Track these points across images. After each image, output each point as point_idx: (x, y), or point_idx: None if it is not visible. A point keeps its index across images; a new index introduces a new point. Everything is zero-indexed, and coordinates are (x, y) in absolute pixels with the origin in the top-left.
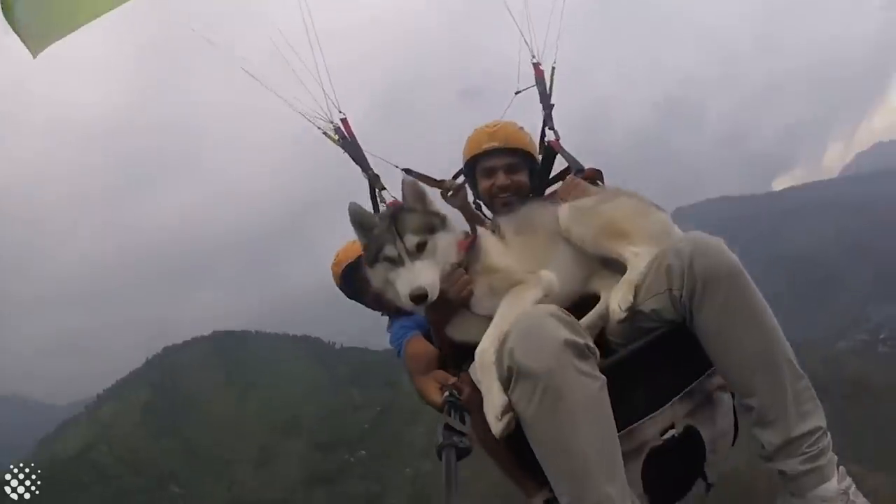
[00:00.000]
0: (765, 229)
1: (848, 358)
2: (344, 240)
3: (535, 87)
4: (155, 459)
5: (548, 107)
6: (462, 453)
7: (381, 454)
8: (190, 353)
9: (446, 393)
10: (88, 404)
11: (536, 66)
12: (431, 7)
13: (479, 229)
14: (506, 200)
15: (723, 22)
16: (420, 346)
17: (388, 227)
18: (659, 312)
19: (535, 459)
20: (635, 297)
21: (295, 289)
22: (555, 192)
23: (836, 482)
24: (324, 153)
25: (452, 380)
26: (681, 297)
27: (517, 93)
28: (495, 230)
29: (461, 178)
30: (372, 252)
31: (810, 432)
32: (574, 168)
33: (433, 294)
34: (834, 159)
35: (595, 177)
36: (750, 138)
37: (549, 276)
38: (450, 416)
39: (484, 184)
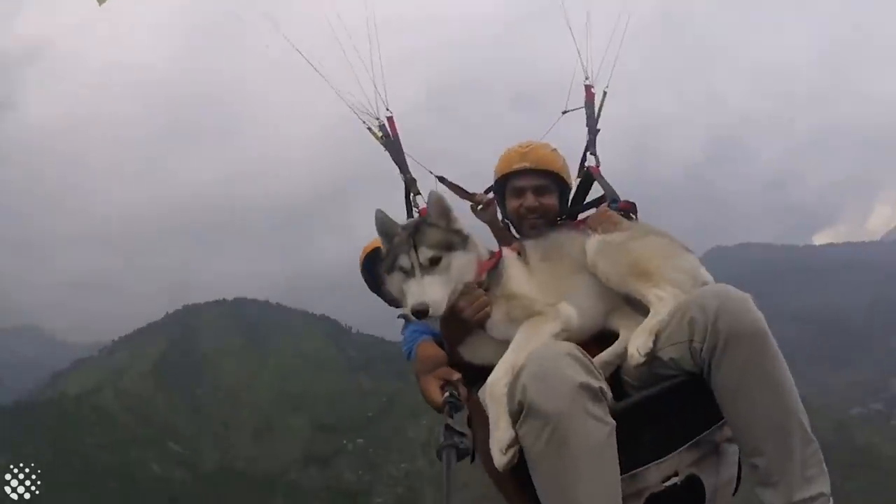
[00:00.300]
0: (799, 282)
1: (859, 426)
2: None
3: (584, 109)
4: (159, 412)
5: (593, 131)
6: (462, 454)
7: (380, 445)
8: (210, 314)
9: (446, 393)
10: (102, 347)
11: (588, 88)
12: (493, 12)
13: (505, 251)
14: (533, 223)
15: (782, 62)
16: (430, 350)
17: (406, 239)
18: (677, 362)
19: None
20: (655, 342)
21: (319, 268)
22: (585, 220)
23: None
24: (364, 142)
25: (456, 376)
26: (701, 350)
27: (564, 112)
28: (520, 253)
29: (492, 194)
30: (389, 260)
31: (812, 498)
32: (609, 198)
33: (436, 310)
34: (879, 222)
35: (629, 210)
36: (796, 187)
37: (568, 310)
38: (450, 416)
39: (512, 203)
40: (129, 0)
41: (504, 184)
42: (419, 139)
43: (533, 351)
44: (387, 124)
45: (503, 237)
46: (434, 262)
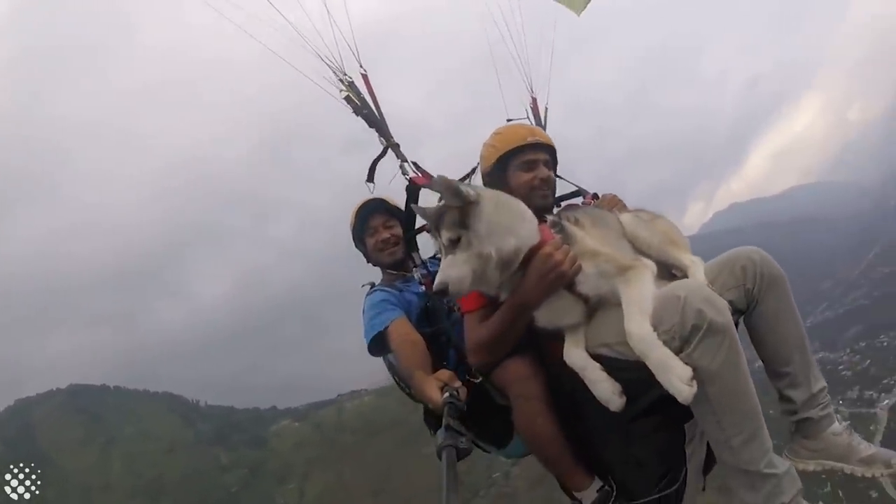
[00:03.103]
0: None
1: None
2: (215, 286)
3: (526, 119)
4: None
5: None
6: (462, 454)
7: None
8: (45, 406)
9: (446, 394)
10: None
11: (535, 100)
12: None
13: (560, 219)
14: (545, 194)
15: (595, 85)
16: (413, 335)
17: (432, 225)
18: (733, 303)
19: (587, 449)
20: None
21: (157, 338)
22: (593, 202)
23: (838, 423)
24: (191, 193)
25: (457, 383)
26: (752, 290)
27: (509, 121)
28: (574, 221)
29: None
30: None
31: (822, 389)
32: (583, 192)
33: (456, 288)
34: (693, 218)
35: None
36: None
37: (651, 263)
38: (450, 417)
39: (524, 177)
40: None
41: (508, 161)
42: (254, 186)
43: (681, 285)
44: (360, 84)
45: None
46: (454, 242)
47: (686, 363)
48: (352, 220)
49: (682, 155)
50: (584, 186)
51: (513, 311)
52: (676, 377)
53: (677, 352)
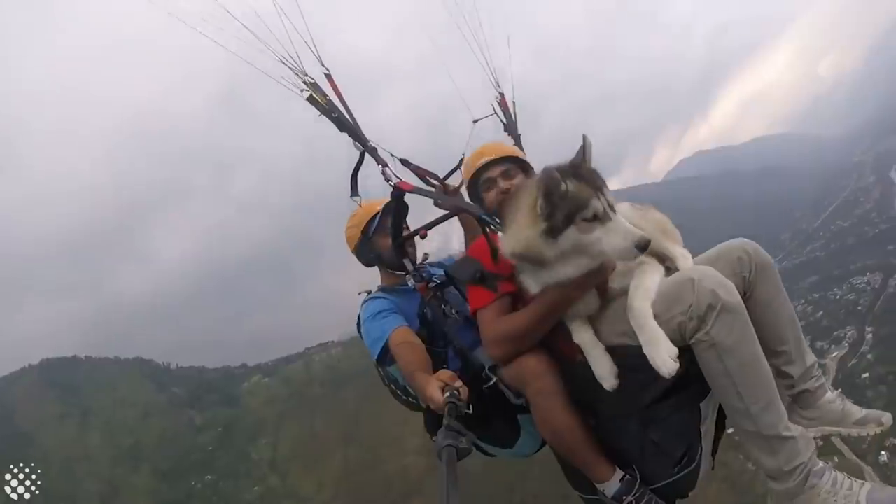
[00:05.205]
0: None
1: None
2: (178, 246)
3: (494, 117)
4: None
5: (515, 134)
6: (462, 454)
7: (228, 475)
8: (18, 384)
9: (447, 394)
10: None
11: (502, 96)
12: None
13: None
14: None
15: (560, 31)
16: (412, 337)
17: (587, 185)
18: None
19: (603, 441)
20: None
21: (124, 303)
22: None
23: (832, 391)
24: (155, 147)
25: (458, 383)
26: (748, 278)
27: (475, 121)
28: None
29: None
30: (563, 215)
31: (813, 363)
32: None
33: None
34: (660, 164)
35: None
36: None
37: (659, 265)
38: (451, 417)
39: (489, 196)
40: None
41: (476, 185)
42: (216, 139)
43: (694, 269)
44: (324, 84)
45: (471, 225)
46: (612, 204)
47: (705, 340)
48: (357, 243)
49: (646, 100)
50: (551, 130)
51: (556, 302)
52: (664, 350)
53: (696, 330)
